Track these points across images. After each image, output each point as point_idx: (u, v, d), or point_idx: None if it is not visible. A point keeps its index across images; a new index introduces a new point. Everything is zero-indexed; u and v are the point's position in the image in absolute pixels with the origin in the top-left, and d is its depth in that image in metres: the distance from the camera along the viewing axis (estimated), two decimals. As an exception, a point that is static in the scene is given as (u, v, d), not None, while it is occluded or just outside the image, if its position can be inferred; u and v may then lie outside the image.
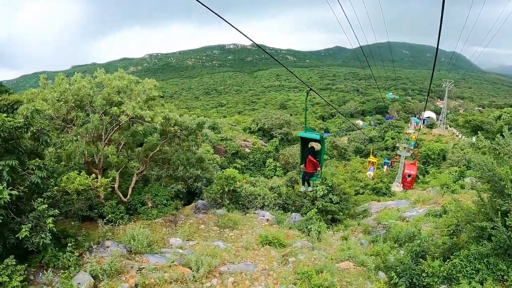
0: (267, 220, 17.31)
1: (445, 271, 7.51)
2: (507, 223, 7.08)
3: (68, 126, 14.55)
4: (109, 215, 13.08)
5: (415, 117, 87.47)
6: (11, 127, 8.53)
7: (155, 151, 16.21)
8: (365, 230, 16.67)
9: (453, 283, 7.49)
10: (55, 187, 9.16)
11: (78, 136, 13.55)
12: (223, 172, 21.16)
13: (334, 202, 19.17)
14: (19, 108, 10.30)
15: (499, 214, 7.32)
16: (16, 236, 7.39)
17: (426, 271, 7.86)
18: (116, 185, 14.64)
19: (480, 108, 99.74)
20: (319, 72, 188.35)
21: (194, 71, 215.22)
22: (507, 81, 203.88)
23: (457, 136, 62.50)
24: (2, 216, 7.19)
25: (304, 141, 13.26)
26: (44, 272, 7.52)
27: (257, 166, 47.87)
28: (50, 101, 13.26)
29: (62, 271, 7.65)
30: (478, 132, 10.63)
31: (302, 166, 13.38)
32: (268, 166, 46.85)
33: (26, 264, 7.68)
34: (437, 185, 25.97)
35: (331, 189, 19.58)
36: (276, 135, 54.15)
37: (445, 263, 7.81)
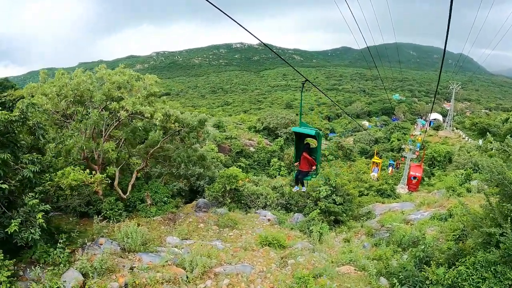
0: (269, 220, 17.02)
1: (450, 279, 7.14)
2: (516, 230, 6.71)
3: (67, 121, 14.40)
4: (107, 212, 12.91)
5: (421, 118, 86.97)
6: (6, 120, 8.37)
7: (155, 148, 16.00)
8: (368, 232, 16.32)
9: (458, 291, 7.13)
10: (49, 182, 8.96)
11: (77, 131, 13.40)
12: (225, 170, 20.95)
13: (338, 203, 18.79)
14: (17, 102, 10.16)
15: (508, 220, 6.95)
16: (6, 230, 7.20)
17: (430, 279, 7.50)
18: (115, 182, 14.46)
19: (487, 110, 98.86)
20: (325, 72, 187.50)
21: (200, 70, 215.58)
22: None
23: (463, 138, 61.95)
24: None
25: (299, 137, 12.33)
26: (33, 268, 7.32)
27: (261, 165, 47.71)
28: (50, 96, 13.12)
29: (51, 268, 7.44)
30: (487, 133, 10.24)
31: (296, 164, 12.49)
32: (272, 166, 46.65)
33: (15, 260, 7.50)
34: (443, 187, 25.62)
35: (334, 189, 19.20)
36: (281, 134, 53.93)
37: (450, 270, 7.45)
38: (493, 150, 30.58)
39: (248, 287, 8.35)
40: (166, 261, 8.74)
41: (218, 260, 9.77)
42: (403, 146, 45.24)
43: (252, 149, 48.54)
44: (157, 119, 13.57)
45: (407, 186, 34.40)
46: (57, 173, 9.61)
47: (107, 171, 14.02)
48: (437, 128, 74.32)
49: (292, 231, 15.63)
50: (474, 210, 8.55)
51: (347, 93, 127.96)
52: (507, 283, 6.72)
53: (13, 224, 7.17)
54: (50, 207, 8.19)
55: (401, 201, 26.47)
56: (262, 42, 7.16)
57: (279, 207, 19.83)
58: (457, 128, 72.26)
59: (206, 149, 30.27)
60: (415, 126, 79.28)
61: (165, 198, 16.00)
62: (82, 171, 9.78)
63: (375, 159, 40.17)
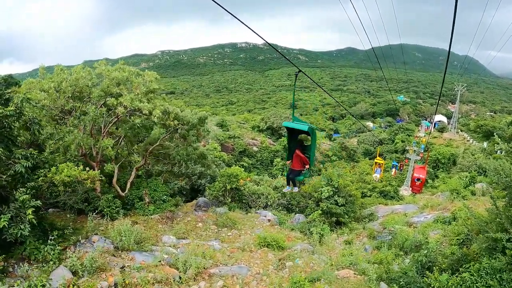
0: (269, 220, 16.75)
1: (453, 286, 6.83)
2: (524, 236, 6.39)
3: (66, 117, 14.23)
4: (104, 209, 12.72)
5: (426, 120, 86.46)
6: (0, 115, 8.21)
7: (154, 145, 15.79)
8: (370, 234, 15.99)
9: (461, 299, 6.82)
10: (41, 178, 8.77)
11: (76, 128, 13.22)
12: (226, 169, 20.69)
13: (340, 204, 18.46)
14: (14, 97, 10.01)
15: (516, 225, 6.64)
16: (-5, 226, 7.02)
17: (432, 285, 7.19)
18: (114, 179, 14.27)
19: (491, 113, 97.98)
20: (330, 73, 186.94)
21: (205, 69, 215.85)
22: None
23: (468, 141, 61.38)
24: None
25: (292, 133, 11.53)
26: (21, 264, 7.13)
27: (264, 165, 47.45)
28: (48, 91, 12.96)
29: (41, 265, 7.25)
30: (494, 133, 9.87)
31: (288, 162, 11.67)
32: (275, 166, 46.32)
33: (6, 256, 7.33)
34: (447, 190, 25.21)
35: (337, 190, 18.86)
36: (285, 134, 53.55)
37: (454, 276, 7.13)
38: (498, 153, 30.20)
39: (243, 289, 8.10)
40: (159, 261, 8.51)
41: (214, 260, 9.54)
42: (407, 148, 44.81)
43: (255, 148, 48.28)
44: (155, 116, 13.34)
45: (410, 188, 34.06)
46: (51, 169, 9.43)
47: (104, 168, 13.83)
48: (442, 130, 73.80)
49: (292, 232, 15.37)
50: (479, 214, 8.23)
51: (352, 94, 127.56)
52: (513, 291, 6.40)
53: (2, 220, 6.99)
54: (41, 203, 8.00)
55: (405, 203, 26.09)
56: (267, 42, 6.94)
57: (280, 208, 19.57)
58: (461, 130, 71.66)
59: (207, 148, 30.06)
60: (420, 128, 78.81)
61: (164, 197, 15.76)
62: (76, 168, 9.57)
63: (378, 159, 39.77)
